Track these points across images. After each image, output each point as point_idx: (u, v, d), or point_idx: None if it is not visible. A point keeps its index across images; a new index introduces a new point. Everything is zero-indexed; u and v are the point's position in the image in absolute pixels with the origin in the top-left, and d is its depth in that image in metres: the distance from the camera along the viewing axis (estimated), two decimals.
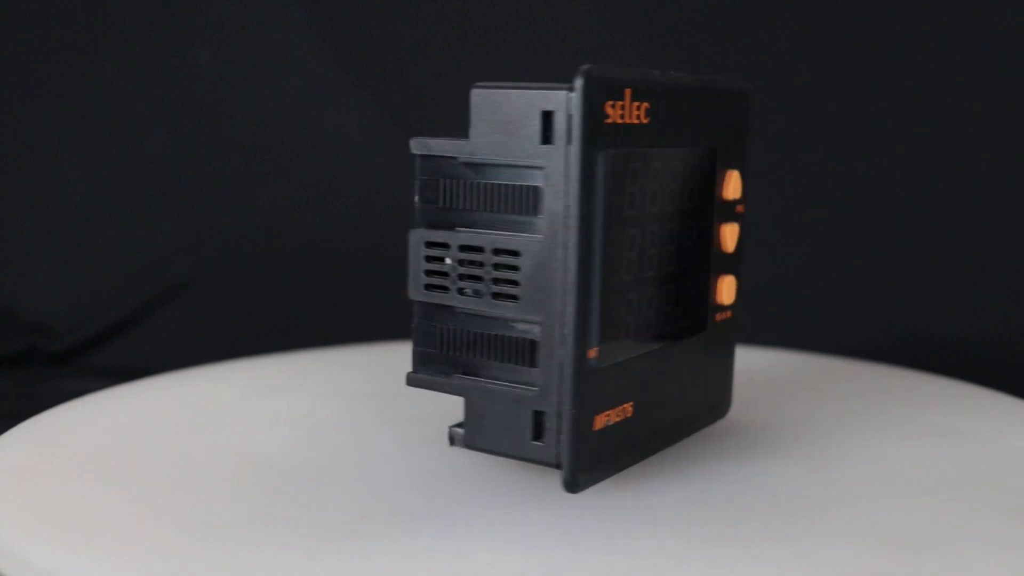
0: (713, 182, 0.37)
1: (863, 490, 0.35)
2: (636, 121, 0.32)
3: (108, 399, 0.45)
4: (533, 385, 0.32)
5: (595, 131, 0.31)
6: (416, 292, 0.34)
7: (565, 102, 0.31)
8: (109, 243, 0.72)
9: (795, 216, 0.69)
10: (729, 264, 0.39)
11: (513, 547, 0.31)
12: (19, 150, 0.73)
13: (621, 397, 0.33)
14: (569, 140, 0.30)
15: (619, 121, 0.32)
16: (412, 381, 0.34)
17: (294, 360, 0.52)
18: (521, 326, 0.32)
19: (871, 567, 0.30)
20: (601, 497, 0.34)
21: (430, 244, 0.33)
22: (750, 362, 0.50)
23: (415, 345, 0.34)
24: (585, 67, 0.30)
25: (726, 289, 0.38)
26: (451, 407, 0.35)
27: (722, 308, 0.39)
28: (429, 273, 0.34)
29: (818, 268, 0.69)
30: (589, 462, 0.32)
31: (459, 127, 0.34)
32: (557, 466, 0.32)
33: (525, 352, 0.32)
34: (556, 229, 0.31)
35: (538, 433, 0.32)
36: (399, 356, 0.50)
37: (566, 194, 0.31)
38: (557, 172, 0.31)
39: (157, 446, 0.39)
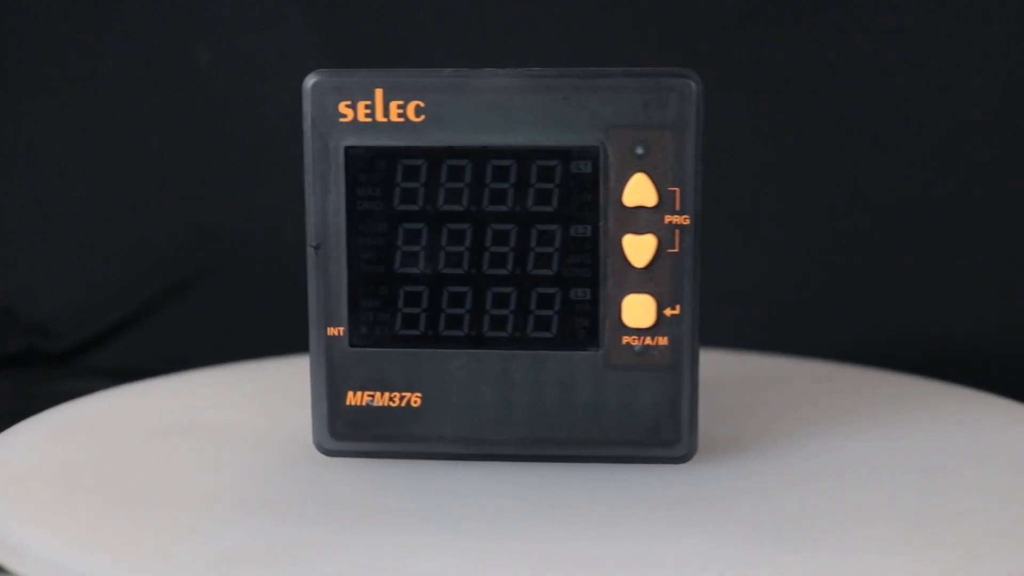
0: (597, 185, 0.34)
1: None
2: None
3: (111, 399, 0.45)
4: None
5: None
6: None
7: None
8: (109, 243, 0.72)
9: (792, 216, 0.69)
10: (641, 281, 0.34)
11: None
12: (19, 150, 0.73)
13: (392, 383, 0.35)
14: None
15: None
16: None
17: (293, 363, 0.52)
18: None
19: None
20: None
21: None
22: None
23: None
24: None
25: (633, 309, 0.34)
26: None
27: (633, 330, 0.34)
28: None
29: (815, 268, 0.69)
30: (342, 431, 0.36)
31: None
32: None
33: None
34: None
35: None
36: None
37: None
38: None
39: (156, 451, 0.39)
